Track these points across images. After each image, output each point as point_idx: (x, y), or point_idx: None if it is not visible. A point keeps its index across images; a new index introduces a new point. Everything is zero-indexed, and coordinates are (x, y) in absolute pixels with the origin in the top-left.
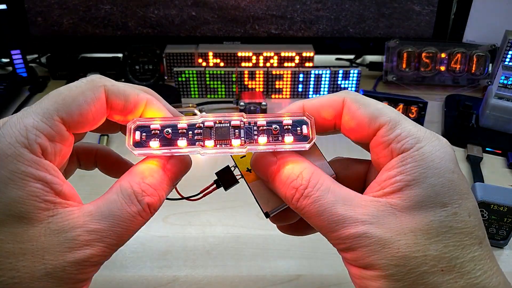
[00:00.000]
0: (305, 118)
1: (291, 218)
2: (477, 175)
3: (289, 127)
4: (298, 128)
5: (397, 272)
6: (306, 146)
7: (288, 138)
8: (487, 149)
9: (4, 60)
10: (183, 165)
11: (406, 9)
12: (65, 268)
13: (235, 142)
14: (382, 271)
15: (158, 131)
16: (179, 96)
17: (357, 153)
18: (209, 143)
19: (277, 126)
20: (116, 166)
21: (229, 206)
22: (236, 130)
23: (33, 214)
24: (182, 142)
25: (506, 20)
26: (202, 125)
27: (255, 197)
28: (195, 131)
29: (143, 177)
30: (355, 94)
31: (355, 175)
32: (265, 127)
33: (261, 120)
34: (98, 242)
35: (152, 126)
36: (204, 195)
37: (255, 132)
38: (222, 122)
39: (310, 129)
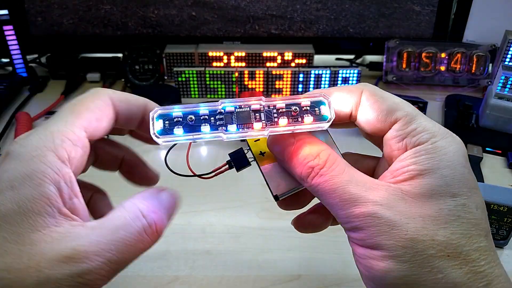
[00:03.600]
0: (322, 98)
1: (299, 204)
2: (477, 175)
3: (308, 108)
4: (317, 109)
5: (404, 254)
6: (326, 125)
7: (308, 119)
8: (487, 149)
9: (4, 60)
10: (174, 196)
11: (406, 9)
12: (58, 280)
13: (257, 125)
14: (389, 251)
15: (181, 118)
16: (179, 96)
17: (366, 152)
18: (232, 127)
19: (297, 108)
20: (103, 212)
21: (229, 206)
22: (257, 114)
23: (39, 216)
24: (205, 128)
25: (506, 20)
26: (223, 110)
27: (266, 181)
28: (217, 116)
29: (143, 199)
30: (374, 87)
31: (363, 170)
32: (284, 110)
33: (280, 103)
34: (98, 256)
35: (174, 114)
36: (216, 174)
37: (275, 115)
38: (243, 106)
39: (329, 108)
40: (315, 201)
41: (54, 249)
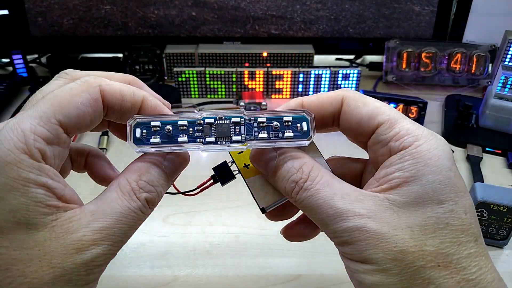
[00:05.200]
0: (305, 114)
1: (287, 214)
2: (477, 175)
3: (289, 123)
4: (298, 125)
5: (394, 267)
6: (306, 143)
7: (288, 135)
8: (487, 149)
9: (4, 60)
10: (180, 160)
11: (406, 9)
12: (73, 270)
13: (236, 138)
14: (379, 265)
15: (159, 128)
16: (179, 96)
17: (355, 152)
18: (210, 139)
19: (278, 123)
20: (102, 171)
21: (229, 206)
22: (237, 127)
23: (37, 220)
24: (182, 139)
25: (506, 20)
26: (202, 122)
27: (251, 193)
28: (196, 127)
29: (140, 174)
30: (354, 92)
31: (351, 174)
32: (265, 124)
33: (261, 116)
34: (104, 240)
35: (152, 123)
36: (201, 190)
37: (256, 129)
38: (223, 118)
39: (310, 126)
40: None
41: (61, 244)
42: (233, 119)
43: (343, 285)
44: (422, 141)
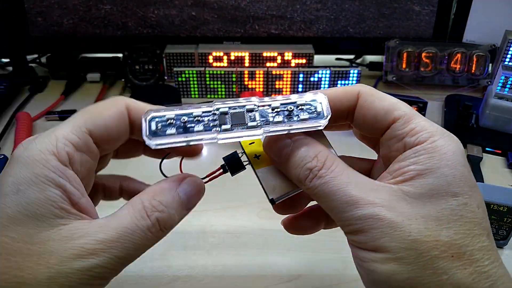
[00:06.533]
0: (318, 96)
1: (294, 208)
2: (477, 175)
3: (303, 106)
4: (312, 107)
5: (407, 256)
6: (322, 122)
7: (304, 117)
8: (487, 149)
9: (4, 60)
10: (197, 187)
11: (406, 9)
12: (68, 275)
13: (252, 124)
14: (392, 253)
15: (173, 120)
16: (179, 96)
17: (361, 155)
18: (226, 127)
19: (292, 106)
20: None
21: (229, 206)
22: (251, 114)
23: (47, 219)
24: (199, 128)
25: (506, 20)
26: (216, 111)
27: (261, 184)
28: (210, 117)
29: (154, 194)
30: (370, 88)
31: (359, 172)
32: (279, 109)
33: (275, 102)
34: (104, 252)
35: (167, 116)
36: (210, 179)
37: (270, 114)
38: (236, 107)
39: (325, 106)
40: (310, 204)
41: (63, 247)
42: (247, 107)
43: (343, 285)
44: (437, 137)
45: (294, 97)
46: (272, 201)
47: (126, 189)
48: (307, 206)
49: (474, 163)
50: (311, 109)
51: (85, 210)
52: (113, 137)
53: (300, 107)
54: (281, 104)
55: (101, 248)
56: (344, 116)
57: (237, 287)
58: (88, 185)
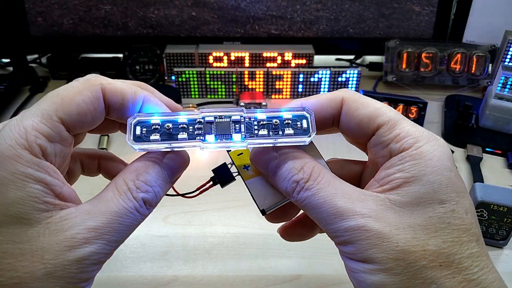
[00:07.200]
0: (305, 112)
1: (286, 216)
2: (477, 175)
3: (289, 121)
4: (298, 123)
5: (396, 266)
6: (307, 140)
7: (289, 132)
8: (487, 149)
9: (4, 60)
10: (180, 160)
11: (406, 9)
12: (65, 267)
13: (236, 136)
14: (381, 264)
15: (159, 126)
16: (179, 96)
17: (354, 153)
18: (210, 137)
19: (277, 120)
20: (119, 171)
21: (229, 206)
22: (237, 125)
23: (32, 215)
24: (182, 136)
25: (506, 20)
26: (202, 120)
27: (251, 195)
28: (196, 126)
29: (137, 174)
30: (354, 93)
31: (350, 175)
32: (265, 122)
33: (261, 115)
34: (97, 239)
35: (152, 121)
36: (200, 192)
37: (256, 127)
38: (223, 117)
39: (310, 123)
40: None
41: (55, 240)
42: (233, 118)
43: (343, 285)
44: (422, 143)
45: (281, 112)
46: (263, 212)
47: (105, 168)
48: (301, 213)
49: (474, 163)
50: (296, 125)
51: (68, 198)
52: (87, 122)
53: (286, 121)
54: (267, 117)
55: (94, 235)
56: (330, 124)
57: (237, 287)
58: (65, 169)
